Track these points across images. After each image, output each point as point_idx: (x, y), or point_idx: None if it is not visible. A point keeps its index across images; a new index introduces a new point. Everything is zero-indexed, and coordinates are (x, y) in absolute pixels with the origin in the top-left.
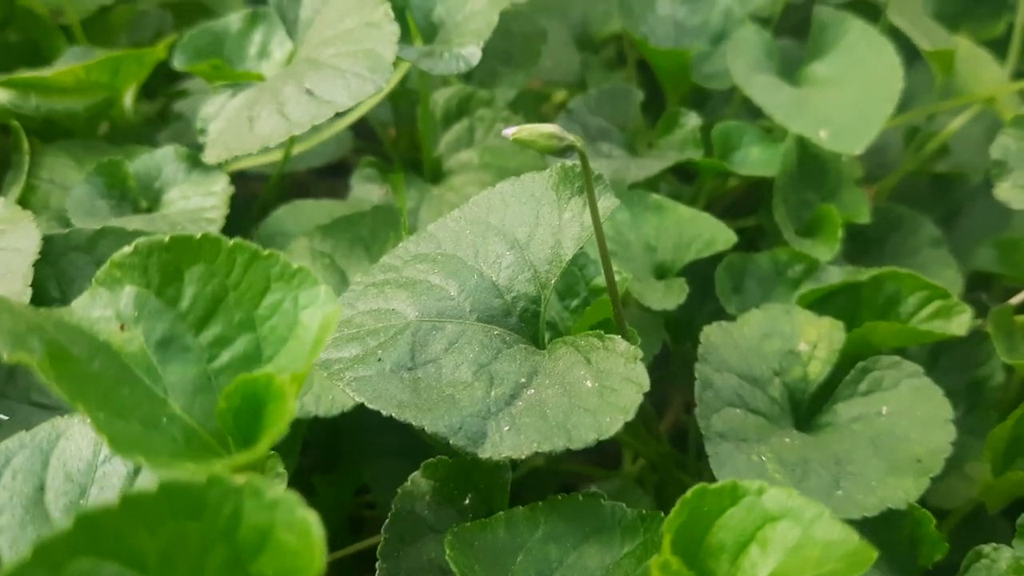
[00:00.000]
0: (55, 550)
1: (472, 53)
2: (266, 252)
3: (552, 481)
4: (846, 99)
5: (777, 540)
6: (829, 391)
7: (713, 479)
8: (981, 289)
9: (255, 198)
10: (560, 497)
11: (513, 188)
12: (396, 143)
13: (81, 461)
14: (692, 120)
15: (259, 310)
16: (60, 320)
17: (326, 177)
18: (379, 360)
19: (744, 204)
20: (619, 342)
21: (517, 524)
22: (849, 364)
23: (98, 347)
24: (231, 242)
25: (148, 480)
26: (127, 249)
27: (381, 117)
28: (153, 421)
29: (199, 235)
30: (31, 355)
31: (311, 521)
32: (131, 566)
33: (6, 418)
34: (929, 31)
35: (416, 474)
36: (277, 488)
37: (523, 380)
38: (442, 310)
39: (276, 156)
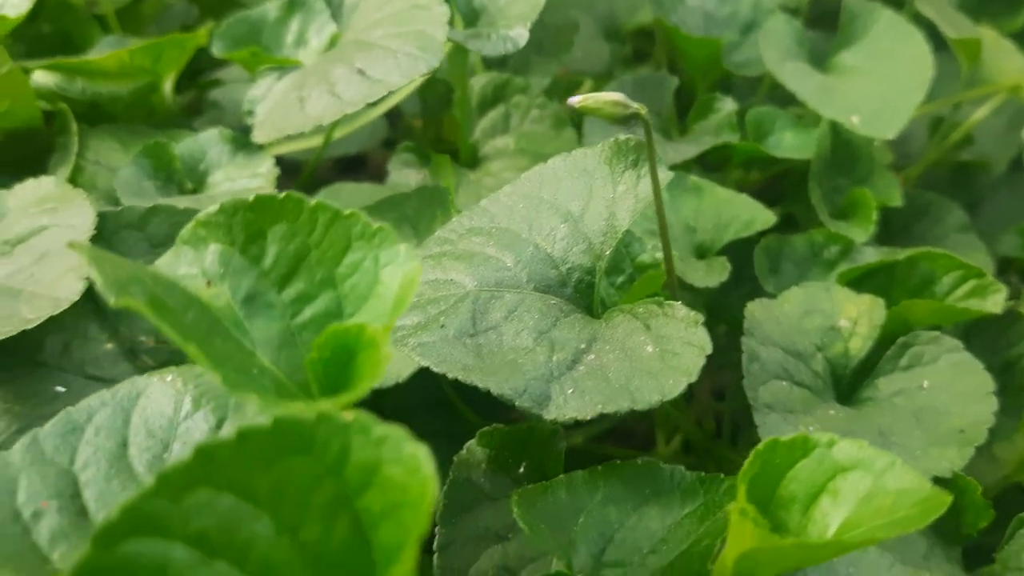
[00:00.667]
0: (176, 481)
1: (520, 34)
2: (347, 211)
3: (588, 462)
4: (877, 86)
5: (848, 490)
6: (870, 366)
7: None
8: (1008, 276)
9: (288, 184)
10: (618, 462)
11: (565, 163)
12: (424, 133)
13: (162, 418)
14: (728, 105)
15: (340, 268)
16: (156, 273)
17: (347, 172)
18: (442, 327)
19: (765, 195)
20: (678, 308)
21: (577, 487)
22: (886, 341)
23: (190, 300)
24: (313, 202)
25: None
26: (212, 208)
27: (408, 108)
28: (246, 371)
29: (282, 195)
30: (135, 300)
31: (420, 455)
32: (245, 499)
33: (63, 390)
34: (955, 20)
35: (472, 442)
36: (384, 425)
37: (583, 346)
38: (500, 280)
39: (311, 142)
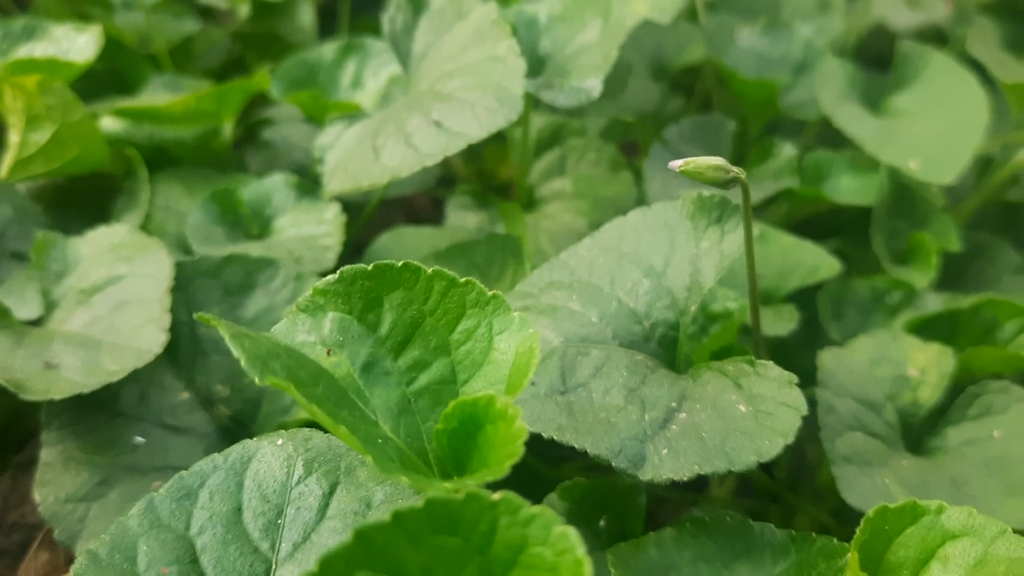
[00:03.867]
0: (338, 564)
1: (593, 86)
2: (463, 280)
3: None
4: (933, 130)
5: (958, 557)
6: (939, 415)
7: (824, 505)
8: None
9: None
10: (707, 519)
11: (645, 217)
12: (467, 167)
13: (275, 482)
14: (787, 150)
15: (454, 335)
16: (288, 346)
17: (392, 209)
18: (532, 384)
19: (814, 228)
20: (771, 367)
21: (666, 545)
22: (951, 388)
23: (319, 372)
24: (430, 270)
25: (344, 500)
26: (331, 277)
27: None
28: (372, 442)
29: (400, 263)
30: (278, 377)
31: (570, 535)
32: None
33: (142, 440)
34: (1003, 63)
35: (552, 496)
36: (532, 506)
37: (674, 404)
38: (585, 335)
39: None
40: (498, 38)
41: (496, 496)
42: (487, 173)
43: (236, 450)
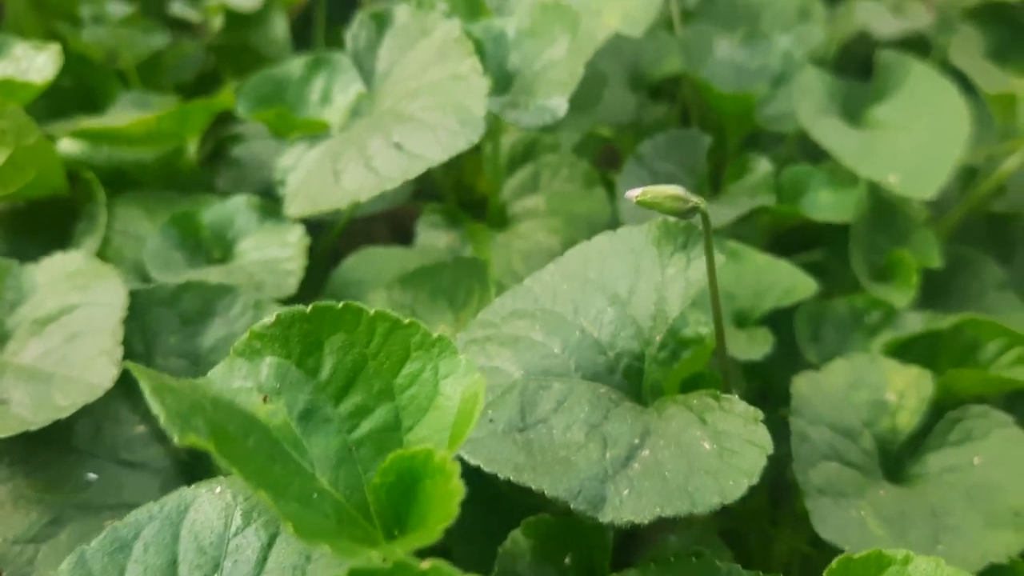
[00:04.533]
0: None
1: (558, 105)
2: (407, 321)
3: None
4: (913, 142)
5: None
6: (918, 441)
7: (803, 532)
8: None
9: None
10: (672, 559)
11: (610, 242)
12: (445, 178)
13: (212, 533)
14: (764, 165)
15: (398, 379)
16: (216, 397)
17: (367, 222)
18: (490, 421)
19: (794, 239)
20: (737, 402)
21: None
22: (933, 411)
23: (250, 423)
24: (372, 311)
25: (284, 553)
26: (267, 320)
27: None
28: (306, 498)
29: (340, 305)
30: (198, 436)
31: None
32: None
33: (95, 477)
34: (987, 72)
35: (516, 532)
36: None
37: (636, 441)
38: (547, 368)
39: None
40: (461, 56)
41: (425, 565)
42: (466, 185)
43: (172, 499)
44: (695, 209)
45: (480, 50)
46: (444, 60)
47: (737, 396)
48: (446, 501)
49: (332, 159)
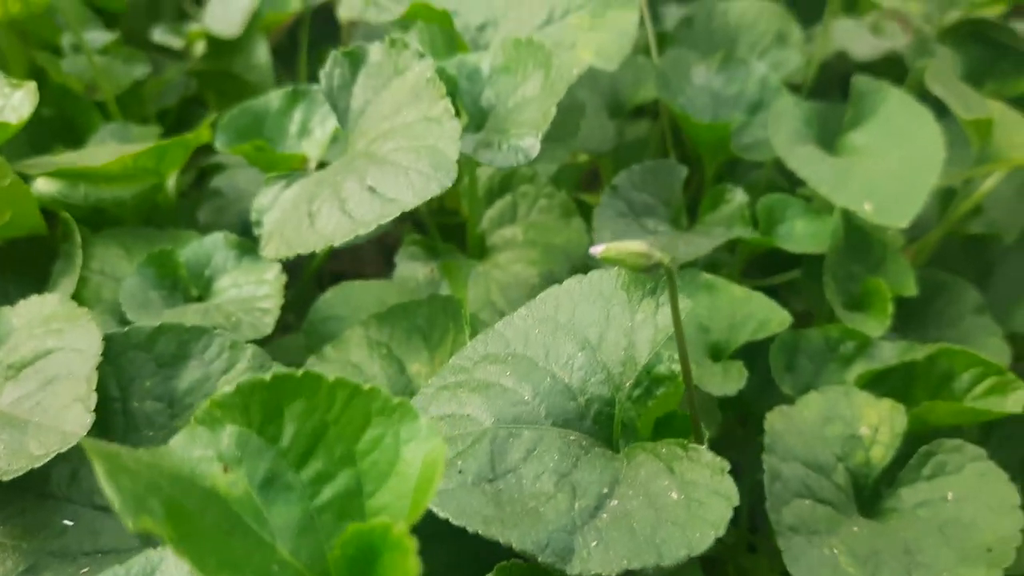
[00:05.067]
0: None
1: (531, 145)
2: (367, 387)
3: None
4: (888, 170)
5: None
6: (892, 475)
7: (774, 561)
8: (1018, 349)
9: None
10: None
11: (581, 286)
12: (426, 210)
13: None
14: (739, 196)
15: (359, 445)
16: (173, 472)
17: (346, 249)
18: (460, 472)
19: (772, 262)
20: (703, 452)
21: None
22: (907, 442)
23: (208, 498)
24: (332, 378)
25: None
26: (228, 389)
27: None
28: (266, 571)
29: (300, 372)
30: (153, 519)
31: None
32: None
33: (71, 523)
34: (964, 95)
35: None
36: None
37: (605, 490)
38: (518, 415)
39: None
40: (434, 98)
41: None
42: (448, 209)
43: (139, 562)
44: (658, 265)
45: (455, 86)
46: (417, 101)
47: (705, 447)
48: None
49: (307, 200)
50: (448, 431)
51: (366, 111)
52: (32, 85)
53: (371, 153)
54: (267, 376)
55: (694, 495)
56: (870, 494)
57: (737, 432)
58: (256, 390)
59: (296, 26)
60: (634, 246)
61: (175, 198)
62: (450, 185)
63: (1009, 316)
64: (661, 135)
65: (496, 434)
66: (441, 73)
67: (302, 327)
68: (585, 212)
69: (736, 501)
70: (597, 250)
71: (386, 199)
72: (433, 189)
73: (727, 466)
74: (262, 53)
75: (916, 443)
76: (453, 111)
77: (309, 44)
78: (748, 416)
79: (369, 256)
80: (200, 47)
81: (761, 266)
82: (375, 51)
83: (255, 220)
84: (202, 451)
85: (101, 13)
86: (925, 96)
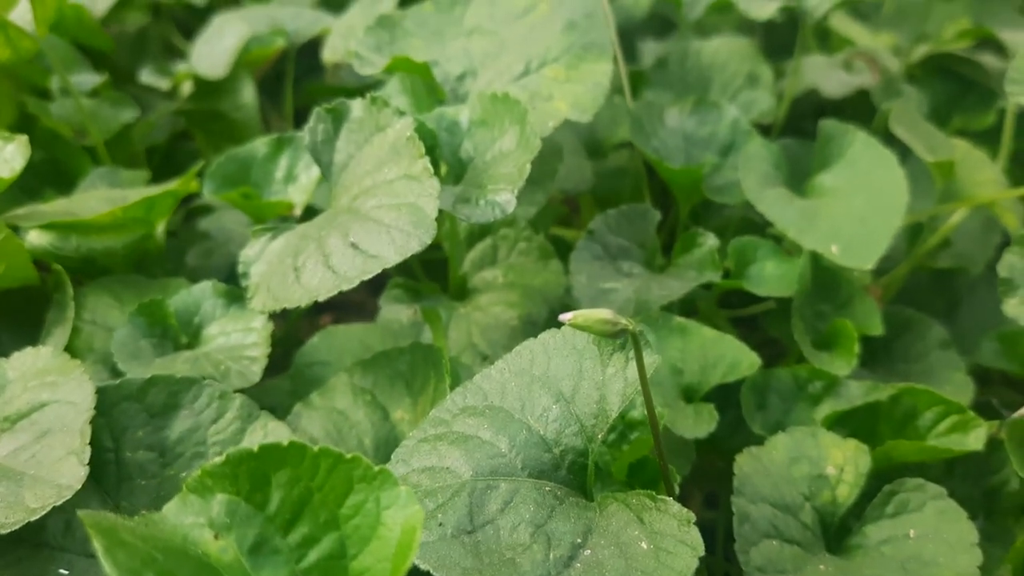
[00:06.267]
0: None
1: (507, 201)
2: (349, 456)
3: None
4: (854, 212)
5: None
6: (857, 513)
7: None
8: (984, 381)
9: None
10: None
11: (555, 340)
12: None
13: None
14: (710, 240)
15: (343, 510)
16: (167, 542)
17: None
18: (440, 524)
19: (745, 295)
20: (671, 504)
21: None
22: (873, 479)
23: (200, 566)
24: (316, 448)
25: None
26: (218, 460)
27: None
28: None
29: (286, 443)
30: None
31: None
32: None
33: (66, 573)
34: (927, 137)
35: None
36: None
37: (579, 540)
38: (495, 468)
39: None
40: (413, 156)
41: None
42: (434, 244)
43: None
44: (624, 331)
45: (434, 139)
46: (398, 159)
47: (673, 499)
48: None
49: (293, 254)
50: (428, 484)
51: (349, 165)
52: (24, 139)
53: (354, 210)
54: (254, 447)
55: (662, 545)
56: (836, 532)
57: (716, 464)
58: (244, 460)
59: (282, 60)
60: (600, 314)
61: (164, 244)
62: (429, 242)
63: (976, 347)
64: (637, 171)
65: (475, 486)
66: (421, 127)
67: (289, 372)
68: (564, 249)
69: (702, 551)
70: (566, 317)
71: (368, 256)
72: (413, 247)
73: (693, 517)
74: (248, 92)
75: (881, 480)
76: (431, 170)
77: (295, 78)
78: (722, 452)
79: (356, 291)
80: (187, 87)
81: (738, 295)
82: (357, 107)
83: (242, 272)
84: (194, 518)
85: (88, 53)
86: (892, 137)
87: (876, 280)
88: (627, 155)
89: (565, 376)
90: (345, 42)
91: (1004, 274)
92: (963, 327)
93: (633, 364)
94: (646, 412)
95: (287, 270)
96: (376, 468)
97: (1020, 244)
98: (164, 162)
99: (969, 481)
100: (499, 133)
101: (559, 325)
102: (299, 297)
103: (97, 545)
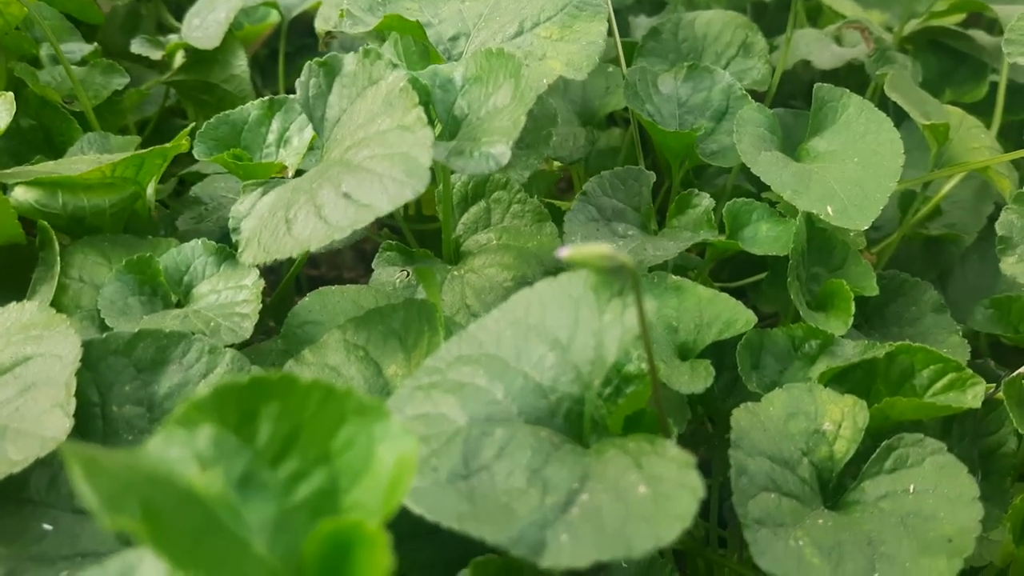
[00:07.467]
0: None
1: (501, 153)
2: (341, 389)
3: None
4: (849, 174)
5: None
6: (855, 469)
7: (743, 555)
8: (977, 345)
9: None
10: None
11: (551, 289)
12: (402, 215)
13: None
14: (705, 201)
15: (334, 444)
16: (150, 472)
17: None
18: (434, 470)
19: (740, 262)
20: (670, 447)
21: None
22: (869, 438)
23: (185, 497)
24: (306, 380)
25: None
26: (205, 391)
27: None
28: (241, 568)
29: (276, 376)
30: (131, 519)
31: None
32: None
33: (51, 528)
34: (922, 102)
35: (465, 572)
36: None
37: (576, 485)
38: (490, 414)
39: None
40: (407, 107)
41: None
42: (426, 216)
43: (116, 563)
44: (623, 267)
45: (428, 96)
46: (391, 110)
47: (672, 441)
48: (377, 572)
49: (284, 207)
50: (423, 430)
51: (341, 120)
52: (9, 96)
53: (346, 161)
54: (243, 379)
55: (661, 489)
56: (834, 487)
57: (707, 430)
58: (232, 392)
59: (275, 37)
60: (599, 249)
61: (154, 206)
62: (423, 191)
63: (969, 314)
64: (632, 142)
65: (469, 432)
66: (415, 83)
67: (281, 332)
68: (558, 217)
69: (702, 494)
70: (564, 252)
71: (361, 205)
72: (407, 195)
73: (692, 460)
74: (240, 64)
75: (878, 438)
76: (426, 119)
77: (288, 54)
78: (717, 414)
79: (348, 262)
80: (179, 58)
81: (730, 269)
82: (349, 61)
83: (233, 227)
84: (179, 451)
85: (79, 25)
86: (886, 104)
87: (869, 247)
88: (621, 125)
89: (561, 324)
90: (337, 11)
91: (1002, 232)
92: (956, 295)
93: (630, 311)
94: (642, 366)
95: (278, 222)
96: (368, 401)
97: (1018, 202)
98: (155, 136)
99: (966, 441)
100: (493, 88)
101: None
102: (290, 248)
103: (75, 471)
